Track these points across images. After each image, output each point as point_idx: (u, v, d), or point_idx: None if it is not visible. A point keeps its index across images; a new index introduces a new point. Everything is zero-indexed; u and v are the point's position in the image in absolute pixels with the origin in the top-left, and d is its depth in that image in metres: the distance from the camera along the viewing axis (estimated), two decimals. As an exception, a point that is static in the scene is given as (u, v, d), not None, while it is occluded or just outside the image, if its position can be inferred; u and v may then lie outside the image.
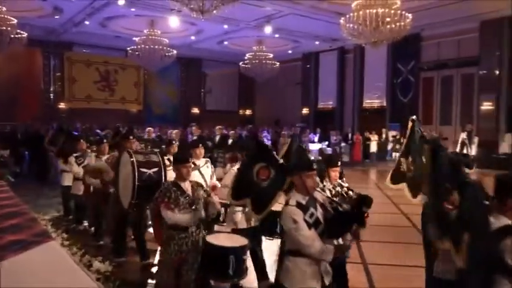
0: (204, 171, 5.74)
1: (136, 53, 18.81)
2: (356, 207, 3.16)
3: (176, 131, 14.75)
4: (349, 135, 20.44)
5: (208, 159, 6.04)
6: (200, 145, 5.96)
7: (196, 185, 4.04)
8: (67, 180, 8.05)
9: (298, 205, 3.09)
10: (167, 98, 26.96)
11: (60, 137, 9.42)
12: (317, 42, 22.43)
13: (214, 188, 5.55)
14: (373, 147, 19.28)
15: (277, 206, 4.33)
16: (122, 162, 4.74)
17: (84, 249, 6.28)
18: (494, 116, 17.65)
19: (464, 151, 16.65)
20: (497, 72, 17.50)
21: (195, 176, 5.36)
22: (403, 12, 12.85)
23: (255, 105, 30.44)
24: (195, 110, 27.15)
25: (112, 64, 24.66)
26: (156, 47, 18.46)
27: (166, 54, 18.98)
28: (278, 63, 22.38)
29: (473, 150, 16.87)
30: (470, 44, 18.30)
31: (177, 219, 3.81)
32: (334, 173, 4.29)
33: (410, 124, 4.48)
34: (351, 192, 4.20)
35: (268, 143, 19.30)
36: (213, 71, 29.11)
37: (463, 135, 16.72)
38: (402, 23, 12.91)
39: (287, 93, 26.75)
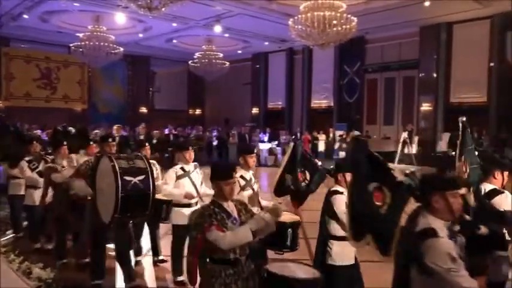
0: (194, 178, 5.10)
1: (80, 49, 18.06)
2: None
3: (116, 126, 14.14)
4: (298, 134, 20.81)
5: (197, 163, 5.32)
6: (190, 148, 5.23)
7: (239, 204, 3.16)
8: (17, 189, 6.77)
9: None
10: (114, 96, 26.12)
11: (4, 138, 8.51)
12: (266, 43, 22.64)
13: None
14: (321, 147, 19.75)
15: (285, 216, 4.08)
16: (101, 169, 4.02)
17: (23, 256, 5.91)
18: (432, 116, 18.69)
19: (406, 150, 17.54)
20: (435, 75, 18.53)
21: (185, 184, 4.99)
22: (349, 16, 13.28)
23: (205, 105, 30.25)
24: (143, 110, 26.51)
25: (54, 61, 23.49)
26: (102, 43, 17.83)
27: (113, 51, 18.39)
28: (228, 62, 22.36)
29: (413, 149, 17.77)
30: (411, 47, 19.25)
31: (234, 242, 2.84)
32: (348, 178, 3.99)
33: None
34: None
35: (215, 142, 19.39)
36: (162, 70, 28.57)
37: (405, 135, 17.55)
38: (348, 26, 13.34)
39: (237, 93, 26.79)
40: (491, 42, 16.94)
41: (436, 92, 18.51)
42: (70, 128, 15.61)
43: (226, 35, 20.33)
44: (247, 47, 23.53)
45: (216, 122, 26.17)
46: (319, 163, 4.56)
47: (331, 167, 4.24)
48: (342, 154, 19.98)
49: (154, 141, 14.66)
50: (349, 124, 20.60)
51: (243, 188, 4.31)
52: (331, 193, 3.90)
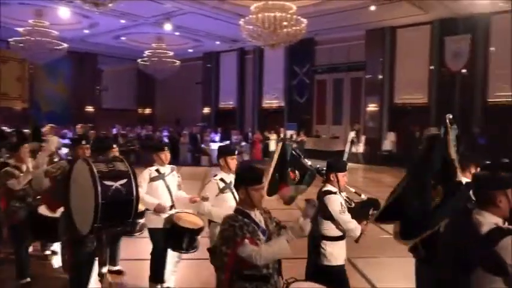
0: (169, 181, 4.79)
1: (21, 44, 17.08)
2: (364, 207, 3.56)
3: (48, 126, 13.22)
4: (250, 134, 20.90)
5: (174, 166, 5.07)
6: (166, 148, 4.93)
7: (264, 213, 2.90)
8: None
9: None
10: (57, 95, 24.93)
11: None
12: (218, 42, 22.55)
13: (193, 201, 4.67)
14: (272, 146, 19.91)
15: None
16: (75, 174, 3.60)
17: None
18: (378, 116, 19.43)
19: (353, 149, 18.12)
20: (380, 76, 19.28)
21: (158, 187, 4.70)
22: (299, 17, 13.50)
23: (155, 104, 29.64)
24: (90, 109, 25.54)
25: (-10, 56, 22.07)
26: (44, 39, 16.96)
27: (56, 47, 17.55)
28: (178, 61, 22.03)
29: (361, 148, 18.40)
30: (358, 50, 19.91)
31: (271, 257, 2.61)
32: (344, 178, 4.01)
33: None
34: (363, 196, 4.16)
35: (166, 141, 19.06)
36: (110, 68, 27.67)
37: (352, 134, 18.15)
38: (298, 27, 13.57)
39: (188, 93, 26.47)
40: (431, 46, 17.87)
41: (382, 93, 19.27)
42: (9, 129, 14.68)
43: (177, 33, 20.02)
44: (198, 46, 23.31)
45: (167, 121, 25.71)
46: (309, 162, 4.50)
47: (318, 166, 4.28)
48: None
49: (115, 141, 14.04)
50: (300, 124, 20.98)
51: (222, 191, 4.20)
52: (324, 193, 3.84)
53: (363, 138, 18.81)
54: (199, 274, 5.20)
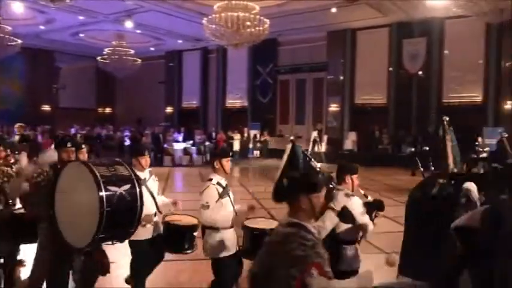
0: (151, 187, 4.43)
1: (-30, 40, 16.23)
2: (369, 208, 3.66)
3: (18, 125, 12.71)
4: (213, 134, 20.80)
5: (151, 169, 4.69)
6: (147, 152, 4.57)
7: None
8: None
9: None
10: (11, 92, 23.84)
11: None
12: (180, 41, 22.30)
13: (176, 204, 4.40)
14: (236, 146, 19.93)
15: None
16: (65, 180, 3.20)
17: None
18: (340, 116, 19.84)
19: (316, 148, 18.41)
20: (341, 77, 19.70)
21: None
22: (262, 18, 13.58)
23: (116, 103, 28.94)
24: (46, 107, 24.61)
25: None
26: (-4, 34, 16.18)
27: (9, 43, 16.78)
28: (140, 60, 21.63)
29: (323, 147, 18.72)
30: (320, 51, 20.25)
31: None
32: (357, 180, 3.93)
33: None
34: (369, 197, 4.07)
35: (127, 142, 18.67)
36: (68, 65, 26.70)
37: (315, 134, 18.43)
38: (261, 28, 13.64)
39: (150, 92, 26.02)
40: (390, 48, 18.45)
41: (343, 93, 19.69)
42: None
43: (138, 31, 19.64)
44: (160, 44, 22.96)
45: (128, 121, 25.17)
46: (318, 165, 4.37)
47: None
48: (257, 153, 20.43)
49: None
50: (263, 123, 21.10)
51: (221, 196, 3.91)
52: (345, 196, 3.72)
53: (325, 137, 19.14)
54: (166, 274, 5.12)
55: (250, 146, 20.47)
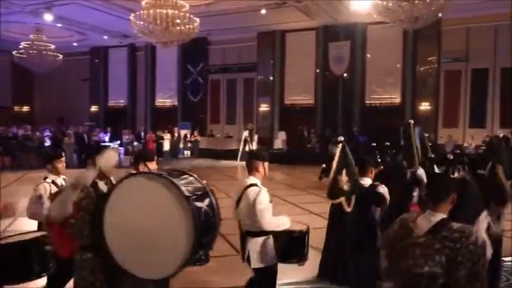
0: None
1: None
2: None
3: None
4: (142, 134, 20.20)
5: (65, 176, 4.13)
6: (63, 155, 4.11)
7: None
8: None
9: None
10: None
11: None
12: (106, 37, 21.35)
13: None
14: (166, 146, 19.53)
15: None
16: (122, 200, 2.62)
17: None
18: (269, 116, 20.21)
19: (247, 148, 18.55)
20: (271, 78, 20.07)
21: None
22: (192, 16, 13.42)
23: (34, 101, 26.99)
24: (-47, 105, 22.36)
25: None
26: None
27: None
28: (61, 55, 20.38)
29: (253, 147, 18.90)
30: (250, 51, 20.46)
31: None
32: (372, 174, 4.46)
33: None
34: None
35: (47, 143, 17.53)
36: (-23, 59, 24.47)
37: (245, 133, 18.56)
38: (191, 26, 13.47)
39: (73, 89, 24.64)
40: (317, 51, 19.12)
41: (273, 93, 20.07)
42: None
43: (59, 24, 18.50)
44: (84, 39, 21.80)
45: (48, 120, 23.61)
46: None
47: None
48: (187, 153, 20.17)
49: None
50: (194, 123, 20.88)
51: None
52: (374, 186, 4.25)
53: (255, 137, 19.36)
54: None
55: (181, 146, 20.17)
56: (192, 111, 21.82)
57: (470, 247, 2.00)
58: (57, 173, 3.95)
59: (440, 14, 11.82)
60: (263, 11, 16.27)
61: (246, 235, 3.36)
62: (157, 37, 13.66)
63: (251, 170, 3.54)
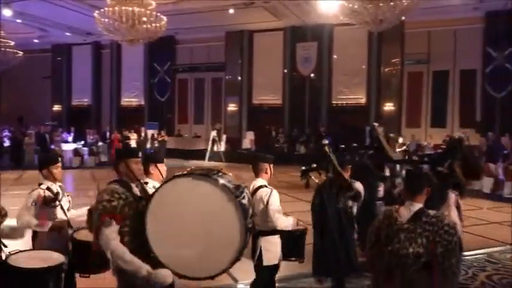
0: (64, 202, 3.71)
1: None
2: None
3: None
4: (107, 133, 19.74)
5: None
6: (59, 160, 3.80)
7: None
8: None
9: None
10: None
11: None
12: (69, 34, 20.74)
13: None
14: (133, 146, 19.17)
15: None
16: (163, 202, 2.55)
17: None
18: (238, 116, 20.20)
19: (215, 148, 18.49)
20: (239, 78, 20.07)
21: (56, 212, 3.58)
22: (158, 14, 13.23)
23: (-8, 100, 25.89)
24: None
25: None
26: None
27: None
28: (21, 52, 19.61)
29: (222, 147, 18.87)
30: (218, 51, 20.39)
31: None
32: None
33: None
34: None
35: (6, 143, 16.87)
36: None
37: (214, 133, 18.50)
38: (158, 24, 13.28)
39: (34, 88, 23.75)
40: (284, 51, 19.27)
41: (241, 93, 20.08)
42: None
43: (19, 20, 17.81)
44: (45, 36, 21.09)
45: (7, 120, 22.64)
46: None
47: None
48: (154, 153, 19.81)
49: None
50: (161, 123, 20.60)
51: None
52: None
53: (224, 137, 19.32)
54: None
55: (148, 146, 19.83)
56: (159, 111, 21.52)
57: (445, 228, 2.44)
58: (53, 179, 3.68)
59: (403, 17, 12.14)
60: (231, 11, 16.25)
61: (257, 234, 3.48)
62: (122, 35, 13.39)
63: (258, 172, 3.77)
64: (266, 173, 3.77)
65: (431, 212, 2.54)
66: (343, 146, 6.17)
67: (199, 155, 18.51)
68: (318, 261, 4.60)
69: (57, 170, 3.68)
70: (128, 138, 19.17)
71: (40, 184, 3.63)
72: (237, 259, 2.55)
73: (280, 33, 19.23)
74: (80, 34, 20.75)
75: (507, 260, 5.53)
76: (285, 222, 3.56)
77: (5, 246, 3.24)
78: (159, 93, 21.70)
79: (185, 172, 2.65)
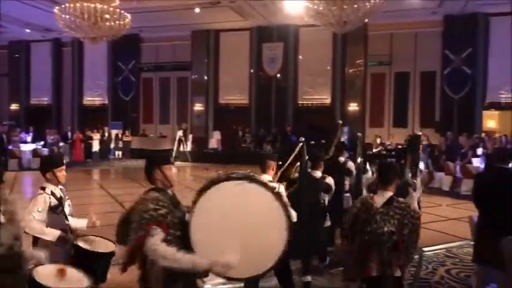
0: (66, 207, 3.60)
1: None
2: None
3: None
4: (69, 134, 19.14)
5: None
6: (64, 163, 3.71)
7: None
8: None
9: None
10: None
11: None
12: (27, 30, 19.96)
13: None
14: (96, 146, 18.69)
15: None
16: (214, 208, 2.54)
17: None
18: (204, 115, 20.07)
19: (181, 148, 18.31)
20: (205, 77, 19.94)
21: (59, 218, 3.45)
22: (122, 12, 12.95)
23: None
24: None
25: None
26: None
27: None
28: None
29: (188, 147, 18.71)
30: (184, 50, 20.17)
31: None
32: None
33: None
34: None
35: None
36: None
37: (180, 133, 18.31)
38: (122, 22, 13.00)
39: (-10, 86, 22.77)
40: (251, 51, 19.30)
41: (207, 93, 19.96)
42: None
43: (-27, 15, 16.98)
44: (2, 32, 20.17)
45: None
46: None
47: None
48: (119, 154, 19.48)
49: None
50: (126, 123, 20.18)
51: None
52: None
53: (190, 137, 19.15)
54: None
55: (112, 146, 19.40)
56: (123, 110, 21.06)
57: (411, 213, 3.05)
58: (56, 182, 3.55)
59: (366, 20, 12.41)
60: (197, 10, 16.13)
61: None
62: (84, 32, 13.00)
63: (265, 168, 4.01)
64: (273, 169, 4.09)
65: (400, 199, 3.14)
66: (313, 142, 6.53)
67: (165, 155, 18.25)
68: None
69: (61, 173, 3.55)
70: (91, 138, 18.69)
71: (43, 188, 3.47)
72: (284, 253, 2.64)
73: (246, 33, 19.25)
74: (39, 30, 20.01)
75: (465, 255, 5.75)
76: (294, 217, 3.63)
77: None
78: (124, 92, 21.24)
79: (224, 176, 2.64)
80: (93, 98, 22.16)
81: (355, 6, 10.85)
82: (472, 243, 4.77)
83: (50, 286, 2.62)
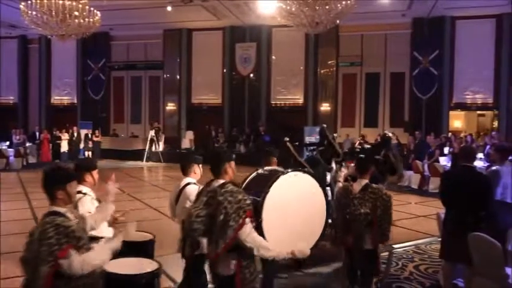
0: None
1: None
2: None
3: None
4: (37, 134, 18.57)
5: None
6: (96, 165, 3.66)
7: None
8: None
9: None
10: None
11: None
12: (-9, 26, 19.24)
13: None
14: (64, 147, 18.19)
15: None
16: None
17: None
18: (176, 115, 19.87)
19: (153, 148, 18.08)
20: (178, 76, 19.75)
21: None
22: (92, 9, 12.67)
23: None
24: None
25: None
26: None
27: None
28: None
29: (160, 147, 18.49)
30: (156, 49, 19.93)
31: None
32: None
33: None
34: None
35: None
36: None
37: (152, 133, 18.06)
38: (91, 20, 12.70)
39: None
40: (224, 51, 19.24)
41: (179, 92, 19.77)
42: None
43: None
44: (-36, 28, 19.41)
45: None
46: None
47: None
48: (89, 154, 19.02)
49: None
50: (95, 122, 19.74)
51: None
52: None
53: (162, 137, 18.92)
54: None
55: (81, 146, 18.92)
56: (93, 110, 20.58)
57: (383, 196, 3.74)
58: (91, 185, 3.49)
59: (338, 21, 12.58)
60: (169, 8, 15.95)
61: None
62: (52, 29, 12.62)
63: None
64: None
65: (374, 185, 3.83)
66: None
67: (137, 155, 18.01)
68: None
69: (97, 176, 3.53)
70: (59, 138, 18.20)
71: (81, 191, 3.32)
72: (326, 227, 3.76)
73: (219, 33, 19.18)
74: (4, 27, 19.31)
75: (433, 251, 5.92)
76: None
77: None
78: (93, 91, 20.77)
79: (281, 172, 3.49)
80: (62, 97, 21.60)
81: (327, 7, 10.99)
82: (439, 239, 4.91)
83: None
